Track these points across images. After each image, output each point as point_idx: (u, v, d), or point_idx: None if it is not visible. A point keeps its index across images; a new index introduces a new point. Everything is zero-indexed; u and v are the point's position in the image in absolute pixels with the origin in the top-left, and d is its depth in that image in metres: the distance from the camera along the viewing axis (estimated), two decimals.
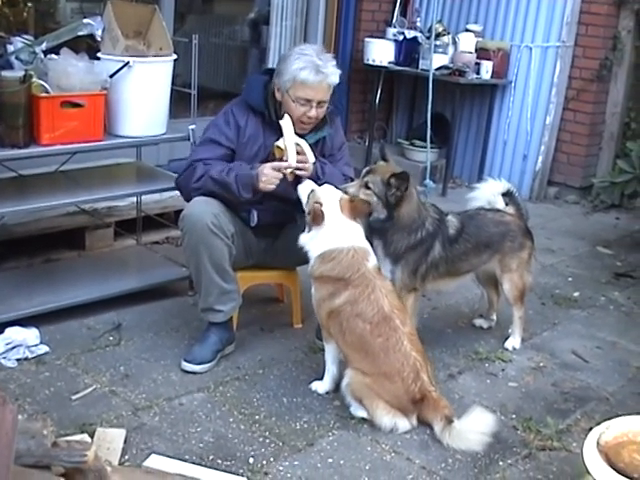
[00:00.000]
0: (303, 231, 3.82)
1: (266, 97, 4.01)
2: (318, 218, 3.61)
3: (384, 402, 3.48)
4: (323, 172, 3.96)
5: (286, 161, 3.82)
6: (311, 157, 3.91)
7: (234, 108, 4.06)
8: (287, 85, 3.89)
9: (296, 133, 3.89)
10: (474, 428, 3.38)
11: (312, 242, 3.69)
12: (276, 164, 3.83)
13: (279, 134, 3.90)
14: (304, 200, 3.76)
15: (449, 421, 3.41)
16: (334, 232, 3.63)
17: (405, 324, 3.55)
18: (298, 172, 3.84)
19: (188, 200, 3.99)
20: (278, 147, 3.88)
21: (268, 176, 3.79)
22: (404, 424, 3.49)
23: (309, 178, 3.87)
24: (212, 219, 3.80)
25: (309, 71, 3.84)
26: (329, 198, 3.68)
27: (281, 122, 3.87)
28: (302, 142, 3.90)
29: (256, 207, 4.03)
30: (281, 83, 3.92)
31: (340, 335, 3.60)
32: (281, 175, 3.81)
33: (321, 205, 3.62)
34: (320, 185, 3.82)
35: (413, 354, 3.48)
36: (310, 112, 3.91)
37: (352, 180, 4.09)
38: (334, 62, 3.95)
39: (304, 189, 3.78)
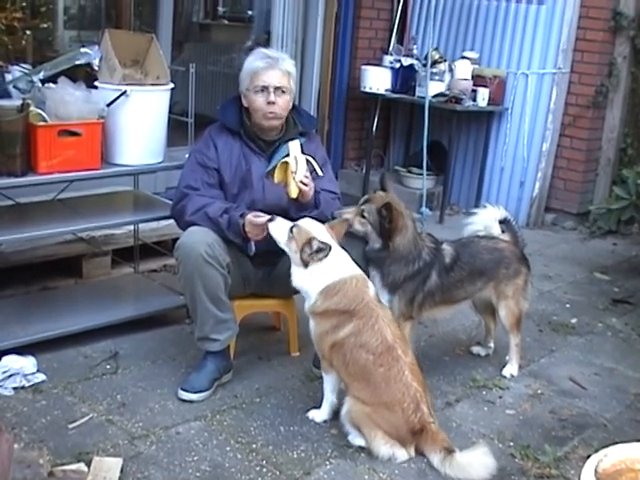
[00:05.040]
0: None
1: (241, 117, 4.07)
2: (321, 252, 3.51)
3: (382, 432, 3.45)
4: (319, 201, 3.97)
5: (285, 187, 3.83)
6: (319, 171, 3.96)
7: (212, 131, 4.13)
8: (246, 83, 4.00)
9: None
10: (475, 463, 3.35)
11: (310, 279, 3.58)
12: (254, 220, 3.80)
13: (257, 153, 4.02)
14: (283, 238, 3.64)
15: (449, 451, 3.38)
16: (333, 263, 3.57)
17: (407, 354, 3.53)
18: (301, 186, 3.79)
19: (184, 229, 3.99)
20: (282, 166, 3.79)
21: (252, 232, 3.82)
22: (402, 454, 3.46)
23: (307, 206, 3.89)
24: (206, 249, 3.79)
25: (260, 60, 3.99)
26: (318, 230, 3.60)
27: (289, 143, 3.85)
28: (311, 160, 3.91)
29: None
30: (242, 87, 4.03)
31: (343, 366, 3.56)
32: (264, 229, 3.76)
33: (315, 239, 3.53)
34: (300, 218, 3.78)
35: (414, 385, 3.46)
36: (269, 97, 3.95)
37: (337, 197, 4.14)
38: (288, 57, 4.11)
39: (279, 226, 3.67)
